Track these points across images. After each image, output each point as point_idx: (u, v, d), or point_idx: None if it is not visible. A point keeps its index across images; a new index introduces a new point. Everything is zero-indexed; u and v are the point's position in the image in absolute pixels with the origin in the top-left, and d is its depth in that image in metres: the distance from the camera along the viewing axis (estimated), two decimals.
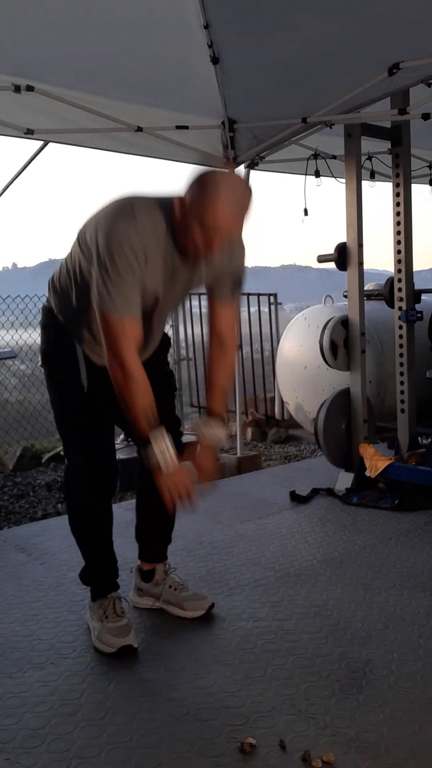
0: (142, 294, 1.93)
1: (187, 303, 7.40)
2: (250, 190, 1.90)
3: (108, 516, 2.31)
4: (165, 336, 2.38)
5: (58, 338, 2.17)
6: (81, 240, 2.02)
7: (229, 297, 2.20)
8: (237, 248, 2.13)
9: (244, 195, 1.88)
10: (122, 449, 5.15)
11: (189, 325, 7.45)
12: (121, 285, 1.86)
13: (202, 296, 7.80)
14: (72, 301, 2.09)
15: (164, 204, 1.95)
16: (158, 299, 2.02)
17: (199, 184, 1.87)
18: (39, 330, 2.26)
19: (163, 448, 1.94)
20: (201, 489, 2.14)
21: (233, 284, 2.17)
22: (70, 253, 2.10)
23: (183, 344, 7.36)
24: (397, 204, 4.05)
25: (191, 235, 1.88)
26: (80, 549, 2.35)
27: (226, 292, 2.18)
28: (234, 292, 2.19)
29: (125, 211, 1.91)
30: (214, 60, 3.77)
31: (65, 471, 2.37)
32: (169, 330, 7.32)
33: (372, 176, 4.92)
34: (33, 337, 6.62)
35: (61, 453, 5.46)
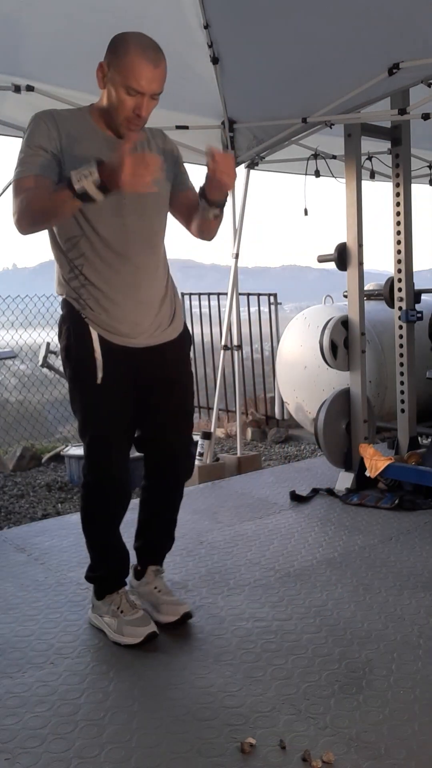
0: (71, 160, 2.00)
1: (187, 303, 7.42)
2: (156, 44, 2.05)
3: (122, 514, 2.31)
4: (186, 330, 2.36)
5: (75, 330, 2.15)
6: None
7: (187, 184, 2.29)
8: (166, 140, 2.37)
9: (153, 44, 2.03)
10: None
11: (189, 325, 7.44)
12: (31, 156, 2.00)
13: (201, 296, 7.81)
14: (62, 248, 2.15)
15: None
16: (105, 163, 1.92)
17: (110, 45, 2.06)
18: (59, 329, 2.24)
19: (82, 174, 1.85)
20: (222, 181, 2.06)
21: (181, 171, 2.31)
22: None
23: None
24: (397, 204, 4.05)
25: (119, 104, 2.05)
26: (89, 546, 2.34)
27: (183, 181, 2.29)
28: (187, 179, 2.30)
29: (47, 111, 2.13)
30: (214, 60, 3.77)
31: (81, 469, 2.35)
32: None
33: (372, 176, 4.92)
34: (33, 337, 6.63)
35: (62, 453, 5.46)
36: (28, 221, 1.98)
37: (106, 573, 2.33)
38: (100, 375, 2.11)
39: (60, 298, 2.25)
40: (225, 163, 2.03)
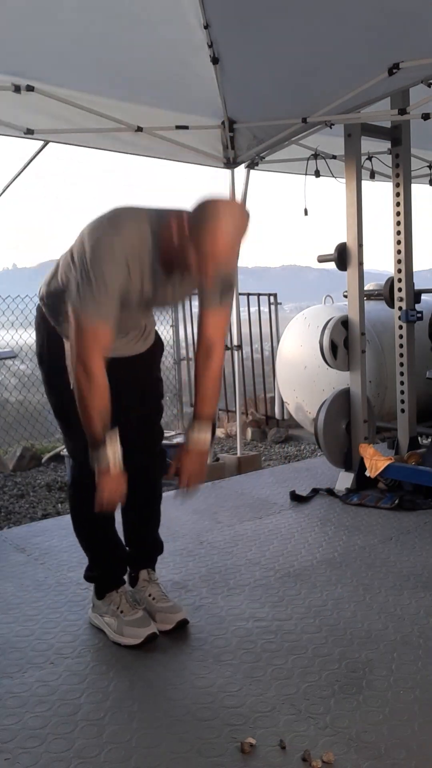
0: (123, 299, 1.97)
1: (187, 303, 7.42)
2: (248, 218, 1.93)
3: (112, 514, 2.31)
4: (159, 340, 2.40)
5: (50, 339, 2.19)
6: (72, 251, 2.04)
7: (218, 303, 2.19)
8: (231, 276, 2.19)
9: (242, 224, 1.91)
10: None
11: (189, 325, 7.45)
12: (98, 293, 1.90)
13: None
14: (61, 309, 2.10)
15: (155, 219, 1.98)
16: (144, 298, 2.05)
17: (200, 212, 1.90)
18: (34, 333, 2.28)
19: (115, 449, 1.96)
20: (187, 491, 2.19)
21: (222, 290, 2.16)
22: (62, 263, 2.12)
23: (183, 344, 7.36)
24: (397, 204, 4.05)
25: (187, 257, 1.91)
26: (85, 547, 2.35)
27: (215, 298, 2.18)
28: (223, 298, 2.19)
29: (111, 224, 1.97)
30: (214, 60, 3.77)
31: (69, 470, 2.37)
32: (168, 330, 7.35)
33: (372, 176, 4.92)
34: (33, 337, 6.61)
35: (62, 453, 5.45)
36: (80, 372, 1.95)
37: (103, 572, 2.34)
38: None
39: (37, 301, 2.26)
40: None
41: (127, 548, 2.45)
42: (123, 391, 2.20)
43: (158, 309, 2.23)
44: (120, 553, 2.37)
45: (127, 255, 1.93)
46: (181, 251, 1.92)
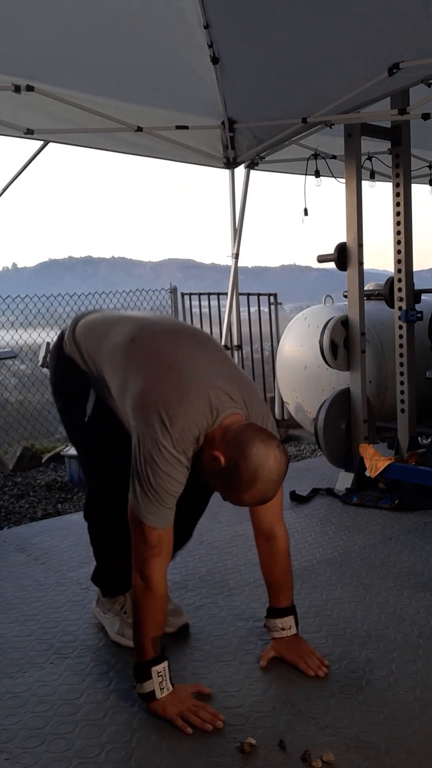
0: None
1: (187, 303, 7.43)
2: (286, 464, 1.81)
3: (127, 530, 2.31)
4: None
5: (66, 369, 2.16)
6: (136, 406, 1.88)
7: None
8: None
9: (279, 476, 1.79)
10: None
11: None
12: (160, 502, 1.80)
13: (201, 296, 7.80)
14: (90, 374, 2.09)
15: (203, 420, 1.83)
16: None
17: (238, 466, 1.76)
18: (49, 362, 2.27)
19: (161, 671, 1.84)
20: (318, 674, 2.03)
21: None
22: (97, 351, 2.04)
23: None
24: (397, 204, 4.05)
25: (216, 483, 1.85)
26: (95, 552, 2.33)
27: None
28: None
29: (173, 431, 1.79)
30: (214, 60, 3.77)
31: (86, 495, 2.36)
32: None
33: (372, 176, 4.92)
34: (33, 337, 6.63)
35: (62, 453, 5.45)
36: (138, 581, 1.84)
37: (113, 577, 2.32)
38: (89, 413, 2.12)
39: (54, 343, 2.25)
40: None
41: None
42: None
43: None
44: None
45: (186, 471, 1.84)
46: (213, 477, 1.84)
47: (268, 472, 1.75)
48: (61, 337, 2.22)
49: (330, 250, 4.04)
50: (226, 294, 4.84)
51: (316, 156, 4.54)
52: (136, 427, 1.85)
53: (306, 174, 4.51)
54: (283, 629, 2.12)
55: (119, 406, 1.99)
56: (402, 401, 4.11)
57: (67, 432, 2.31)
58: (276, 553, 2.11)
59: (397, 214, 4.05)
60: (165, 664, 1.86)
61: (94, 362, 2.06)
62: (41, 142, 3.88)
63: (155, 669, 1.84)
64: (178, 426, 1.79)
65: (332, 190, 4.98)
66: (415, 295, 4.14)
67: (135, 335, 2.00)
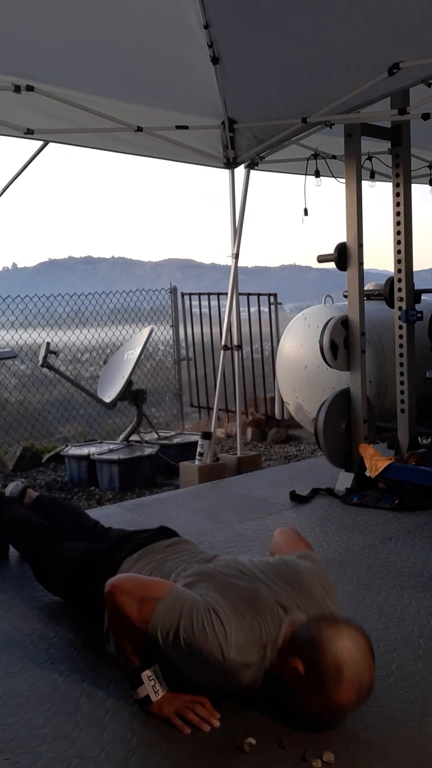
0: None
1: (187, 303, 7.43)
2: (366, 641, 1.71)
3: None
4: None
5: None
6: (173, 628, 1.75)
7: None
8: None
9: (364, 656, 1.68)
10: (122, 449, 5.15)
11: (189, 325, 7.45)
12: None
13: (201, 296, 7.79)
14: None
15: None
16: None
17: (318, 661, 1.65)
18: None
19: (153, 676, 1.82)
20: None
21: None
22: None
23: (183, 344, 7.36)
24: (397, 204, 4.05)
25: (293, 700, 1.74)
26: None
27: None
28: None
29: (244, 625, 1.72)
30: (214, 60, 3.77)
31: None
32: (169, 330, 7.35)
33: (372, 176, 4.92)
34: (33, 337, 6.63)
35: (62, 453, 5.45)
36: (112, 606, 1.83)
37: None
38: None
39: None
40: None
41: None
42: None
43: None
44: None
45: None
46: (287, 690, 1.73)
47: (348, 654, 1.64)
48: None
49: (330, 250, 4.04)
50: (226, 294, 4.84)
51: (316, 156, 4.55)
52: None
53: (306, 174, 4.52)
54: None
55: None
56: (402, 401, 4.11)
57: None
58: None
59: (397, 214, 4.06)
60: (154, 667, 1.85)
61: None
62: (41, 142, 3.88)
63: (145, 674, 1.83)
64: (240, 611, 1.73)
65: (332, 190, 4.99)
66: (415, 295, 4.14)
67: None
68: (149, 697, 1.82)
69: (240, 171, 4.66)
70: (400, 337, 4.09)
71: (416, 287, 4.19)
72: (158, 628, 1.74)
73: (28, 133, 3.65)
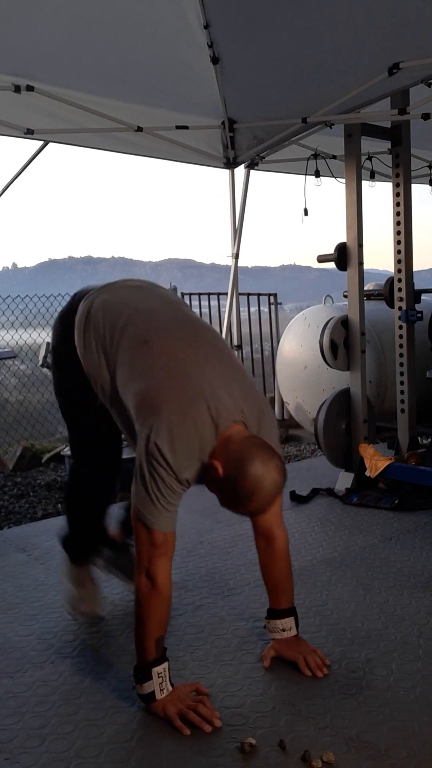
0: None
1: (187, 302, 7.43)
2: (284, 475, 1.84)
3: (105, 511, 2.38)
4: None
5: (70, 338, 2.12)
6: (139, 409, 1.89)
7: None
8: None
9: (278, 488, 1.82)
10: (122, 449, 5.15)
11: None
12: (163, 506, 1.81)
13: (201, 296, 7.80)
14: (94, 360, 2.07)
15: (208, 440, 1.84)
16: None
17: (237, 480, 1.78)
18: (53, 326, 2.25)
19: (161, 671, 1.84)
20: (321, 672, 2.03)
21: None
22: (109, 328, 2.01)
23: None
24: (397, 204, 4.05)
25: (214, 490, 1.88)
26: (70, 522, 2.41)
27: None
28: None
29: (180, 447, 1.80)
30: (214, 60, 3.78)
31: (69, 471, 2.40)
32: None
33: (372, 176, 4.92)
34: (33, 337, 6.63)
35: (62, 453, 5.46)
36: (143, 582, 1.84)
37: (81, 546, 2.42)
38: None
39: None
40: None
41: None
42: None
43: None
44: (103, 534, 2.44)
45: (186, 473, 1.84)
46: (213, 486, 1.87)
47: (264, 491, 1.78)
48: (71, 306, 2.16)
49: (330, 250, 4.04)
50: (226, 294, 4.84)
51: (316, 156, 4.55)
52: (139, 430, 1.85)
53: (306, 174, 4.52)
54: (283, 630, 2.12)
55: (117, 397, 1.98)
56: (402, 401, 4.11)
57: (63, 402, 2.28)
58: (275, 555, 2.12)
59: (397, 214, 4.05)
60: (165, 665, 1.86)
61: (104, 347, 2.02)
62: (41, 142, 3.88)
63: (155, 670, 1.83)
64: (180, 436, 1.79)
65: (332, 190, 4.99)
66: (415, 295, 4.14)
67: (149, 337, 1.97)
68: (154, 695, 1.83)
69: (240, 171, 4.67)
70: (400, 337, 4.09)
71: (416, 287, 4.19)
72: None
73: (28, 133, 3.65)
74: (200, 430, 1.82)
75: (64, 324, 2.17)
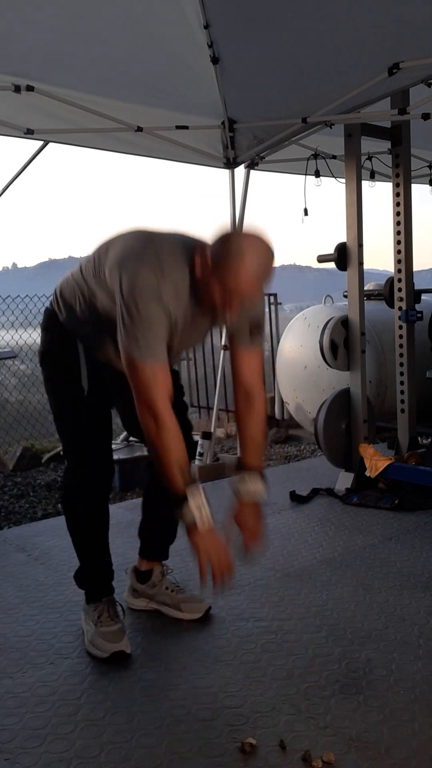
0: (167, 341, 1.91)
1: None
2: (272, 253, 1.85)
3: (105, 519, 2.30)
4: None
5: (60, 339, 2.16)
6: (97, 266, 2.00)
7: (248, 341, 2.12)
8: (258, 306, 2.14)
9: (267, 260, 1.84)
10: (122, 449, 5.15)
11: None
12: (149, 332, 1.83)
13: None
14: (77, 316, 2.09)
15: (187, 251, 1.91)
16: (173, 346, 1.98)
17: (224, 247, 1.83)
18: (40, 332, 2.25)
19: (200, 504, 1.85)
20: (249, 551, 2.09)
21: (252, 328, 2.10)
22: (82, 272, 2.08)
23: None
24: (397, 204, 4.05)
25: (210, 292, 1.87)
26: (76, 550, 2.33)
27: (245, 337, 2.11)
28: (253, 338, 2.12)
29: (151, 256, 1.88)
30: (214, 60, 3.77)
31: (64, 473, 2.37)
32: None
33: (372, 176, 4.92)
34: (33, 337, 6.62)
35: (61, 453, 5.46)
36: (148, 420, 1.86)
37: (89, 577, 2.32)
38: (86, 388, 2.11)
39: (50, 307, 2.22)
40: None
41: (141, 539, 2.46)
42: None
43: (186, 349, 2.14)
44: (107, 561, 2.34)
45: (169, 292, 1.86)
46: (205, 287, 1.87)
47: (255, 245, 1.82)
48: (53, 303, 2.18)
49: (330, 250, 4.04)
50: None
51: (316, 156, 4.54)
52: (115, 279, 1.88)
53: (306, 174, 4.51)
54: (250, 492, 2.13)
55: (96, 301, 2.01)
56: (402, 401, 4.11)
57: (55, 402, 2.24)
58: (253, 411, 2.15)
59: (397, 214, 4.05)
60: (200, 496, 1.85)
61: (88, 288, 2.04)
62: (41, 142, 3.87)
63: (193, 503, 1.84)
64: (154, 254, 1.86)
65: (332, 190, 4.98)
66: (415, 295, 4.14)
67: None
68: (195, 522, 1.85)
69: (240, 171, 4.66)
70: (400, 337, 4.09)
71: (416, 287, 4.18)
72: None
73: (28, 133, 3.65)
74: (175, 249, 1.89)
75: (48, 324, 2.19)
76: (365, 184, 4.32)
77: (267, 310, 7.03)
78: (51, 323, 2.19)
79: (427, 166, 5.56)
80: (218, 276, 1.83)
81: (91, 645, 2.19)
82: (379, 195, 5.03)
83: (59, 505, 4.61)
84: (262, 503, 2.15)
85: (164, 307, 1.85)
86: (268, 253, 1.84)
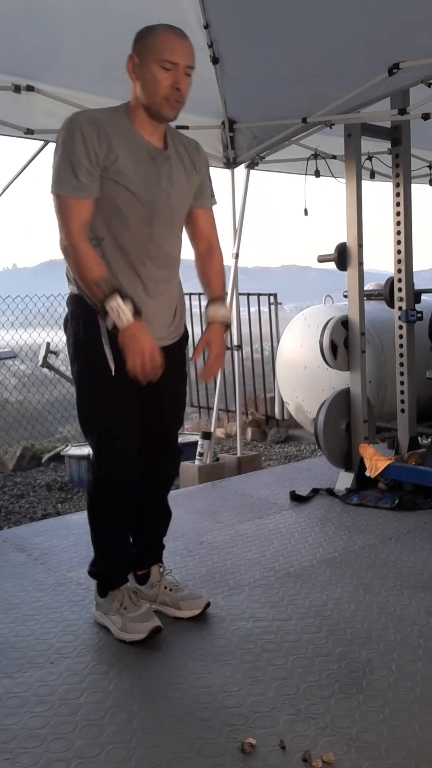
0: (129, 192, 2.08)
1: (187, 303, 7.43)
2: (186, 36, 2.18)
3: (129, 510, 2.32)
4: (185, 333, 2.42)
5: (85, 325, 2.14)
6: None
7: (202, 202, 2.34)
8: (199, 152, 2.40)
9: (177, 30, 2.18)
10: None
11: (189, 325, 7.45)
12: (72, 164, 2.01)
13: (202, 296, 7.82)
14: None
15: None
16: (148, 201, 2.12)
17: (137, 36, 2.17)
18: (65, 327, 2.24)
19: (116, 307, 1.98)
20: (211, 366, 2.32)
21: (203, 189, 2.34)
22: None
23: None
24: (397, 204, 4.05)
25: (156, 84, 2.14)
26: (97, 538, 2.33)
27: (200, 198, 2.33)
28: (206, 198, 2.36)
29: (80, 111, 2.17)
30: (214, 60, 3.77)
31: (91, 465, 2.36)
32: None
33: (372, 176, 4.92)
34: (33, 337, 6.63)
35: (62, 453, 5.45)
36: (66, 248, 2.07)
37: (109, 568, 2.33)
38: (113, 367, 2.11)
39: (68, 295, 2.24)
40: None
41: (137, 545, 2.45)
42: (147, 397, 2.21)
43: (172, 216, 2.21)
44: (128, 552, 2.38)
45: (105, 127, 2.09)
46: (145, 85, 2.17)
47: (160, 24, 2.18)
48: (68, 285, 2.24)
49: (330, 250, 4.04)
50: (226, 294, 4.84)
51: (316, 156, 4.54)
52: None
53: (306, 174, 4.51)
54: (218, 315, 2.33)
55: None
56: (402, 401, 4.11)
57: (83, 394, 2.24)
58: (214, 258, 2.39)
59: (397, 214, 4.05)
60: (117, 298, 1.98)
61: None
62: (41, 142, 3.87)
63: (111, 309, 1.98)
64: (86, 109, 2.25)
65: (332, 190, 4.99)
66: (415, 295, 4.14)
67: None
68: (116, 325, 1.99)
69: (240, 171, 4.66)
70: (400, 337, 4.09)
71: (416, 287, 4.19)
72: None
73: (28, 133, 3.65)
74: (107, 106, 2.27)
75: (74, 315, 2.21)
76: (365, 183, 4.32)
77: (267, 310, 7.03)
78: (74, 308, 2.19)
79: (427, 166, 5.56)
80: (146, 57, 2.13)
81: (122, 632, 2.23)
82: (379, 195, 5.04)
83: (59, 504, 4.61)
84: (226, 325, 2.37)
85: (98, 142, 2.04)
86: (175, 28, 2.16)
